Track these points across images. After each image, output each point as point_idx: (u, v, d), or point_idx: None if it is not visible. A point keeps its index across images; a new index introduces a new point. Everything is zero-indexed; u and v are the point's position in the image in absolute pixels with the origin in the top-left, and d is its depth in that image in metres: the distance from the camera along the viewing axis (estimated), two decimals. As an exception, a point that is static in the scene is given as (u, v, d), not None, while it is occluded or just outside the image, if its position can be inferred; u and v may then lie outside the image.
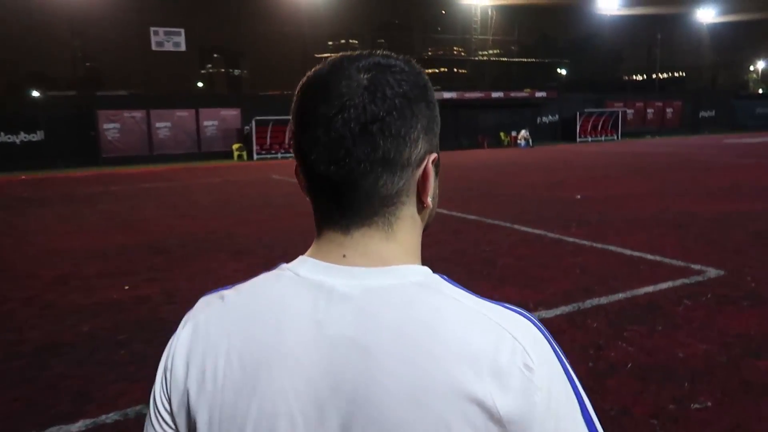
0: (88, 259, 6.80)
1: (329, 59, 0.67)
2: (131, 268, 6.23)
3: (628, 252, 6.21)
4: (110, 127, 24.10)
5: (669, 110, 38.46)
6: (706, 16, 50.28)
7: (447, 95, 30.43)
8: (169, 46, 28.27)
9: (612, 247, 6.46)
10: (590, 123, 33.18)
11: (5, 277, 6.15)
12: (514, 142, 30.27)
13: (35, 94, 31.27)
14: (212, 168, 21.17)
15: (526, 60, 45.69)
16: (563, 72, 50.42)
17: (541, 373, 0.58)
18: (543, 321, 4.10)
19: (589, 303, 4.60)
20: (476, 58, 42.68)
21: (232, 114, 26.26)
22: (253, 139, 25.18)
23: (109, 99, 26.41)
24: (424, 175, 0.65)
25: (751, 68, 64.62)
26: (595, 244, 6.65)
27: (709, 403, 2.99)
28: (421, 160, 0.65)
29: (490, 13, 41.45)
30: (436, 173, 0.68)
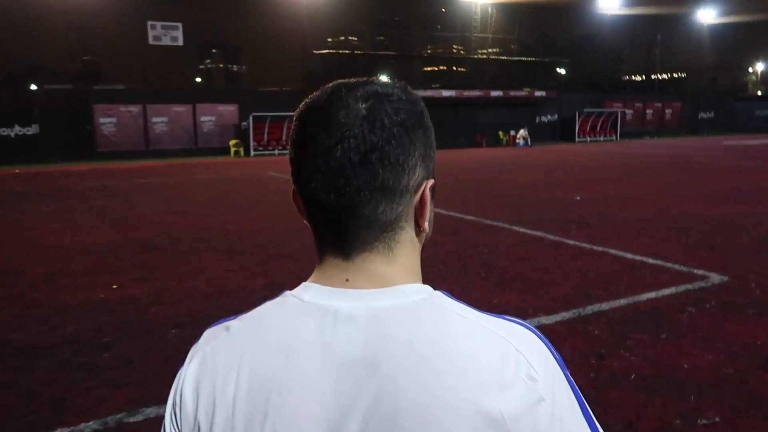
0: (78, 255, 6.64)
1: (327, 87, 0.67)
2: (120, 266, 6.07)
3: (629, 256, 6.08)
4: (106, 122, 23.89)
5: (668, 111, 38.37)
6: (707, 16, 50.15)
7: (446, 93, 30.27)
8: (166, 41, 28.03)
9: (613, 251, 6.33)
10: (589, 123, 33.06)
11: (-9, 274, 6.00)
12: (512, 142, 30.12)
13: (33, 87, 31.02)
14: (208, 164, 20.99)
15: (525, 59, 45.50)
16: (563, 72, 50.30)
17: (544, 383, 0.60)
18: (543, 327, 3.98)
19: (590, 309, 4.47)
20: (476, 57, 42.53)
21: (229, 110, 26.06)
22: (251, 135, 25.00)
23: (105, 93, 26.19)
24: (422, 201, 0.67)
25: (750, 70, 64.60)
26: (595, 247, 6.51)
27: (717, 419, 2.86)
28: (419, 186, 0.66)
29: (490, 11, 41.26)
30: (432, 197, 0.69)
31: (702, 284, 5.06)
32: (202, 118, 25.54)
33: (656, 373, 3.35)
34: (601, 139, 33.10)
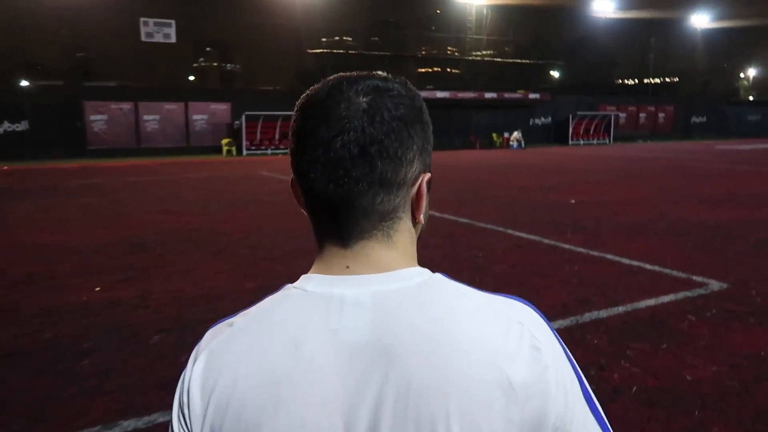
0: (62, 255, 6.46)
1: (327, 80, 0.68)
2: (106, 267, 5.90)
3: (626, 261, 5.97)
4: (97, 119, 23.62)
5: (661, 115, 38.49)
6: (700, 21, 50.35)
7: (440, 95, 30.18)
8: (159, 37, 27.79)
9: (609, 256, 6.22)
10: (583, 126, 33.09)
11: (-29, 274, 5.81)
12: (506, 144, 30.07)
13: (24, 83, 30.66)
14: (200, 163, 20.77)
15: (520, 61, 45.49)
16: (557, 74, 50.33)
17: (547, 352, 0.62)
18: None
19: (588, 316, 4.35)
20: (470, 58, 42.47)
21: (222, 108, 25.84)
22: (243, 134, 24.80)
23: (96, 90, 25.92)
24: (418, 194, 0.68)
25: (742, 75, 64.96)
26: (591, 252, 6.40)
27: (723, 435, 2.74)
28: (416, 179, 0.68)
29: (485, 12, 41.22)
30: (428, 190, 0.70)
31: (701, 291, 4.95)
32: (195, 117, 25.31)
33: (658, 386, 3.23)
34: (595, 142, 33.13)
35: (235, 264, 6.02)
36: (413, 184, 0.67)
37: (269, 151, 25.14)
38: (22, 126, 22.20)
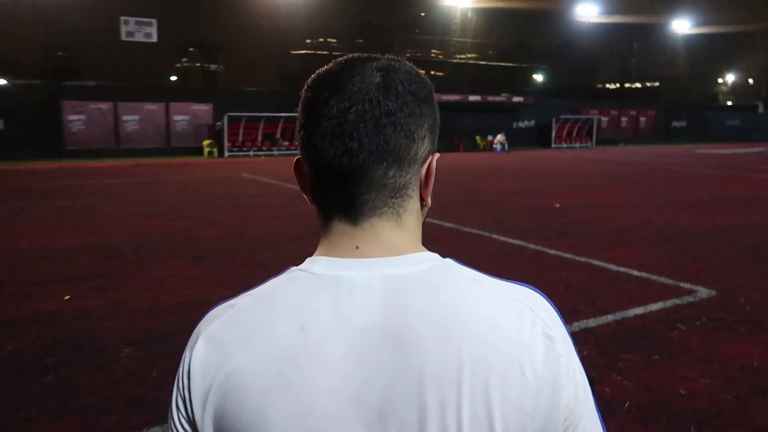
0: (29, 261, 6.19)
1: (340, 59, 0.67)
2: (76, 274, 5.66)
3: (613, 267, 5.88)
4: (75, 119, 23.14)
5: (642, 119, 38.86)
6: (682, 27, 50.99)
7: (424, 97, 30.09)
8: (140, 37, 27.36)
9: (596, 262, 6.13)
10: (565, 129, 33.26)
11: (-67, 281, 5.53)
12: (489, 146, 30.09)
13: (1, 82, 29.99)
14: (180, 164, 20.43)
15: (504, 64, 45.67)
16: (540, 78, 50.62)
17: (559, 342, 0.62)
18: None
19: (576, 326, 4.22)
20: (454, 61, 42.54)
21: (203, 109, 25.49)
22: (225, 135, 24.48)
23: (74, 89, 25.42)
24: (428, 173, 0.68)
25: (720, 80, 65.96)
26: (578, 258, 6.30)
27: (721, 455, 2.62)
28: (425, 158, 0.67)
29: (469, 15, 41.31)
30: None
31: (690, 299, 4.86)
32: (176, 117, 24.93)
33: (652, 401, 3.11)
34: (577, 145, 33.31)
35: (213, 271, 5.82)
36: (423, 162, 0.67)
37: (251, 153, 24.84)
38: (-3, 126, 21.67)
